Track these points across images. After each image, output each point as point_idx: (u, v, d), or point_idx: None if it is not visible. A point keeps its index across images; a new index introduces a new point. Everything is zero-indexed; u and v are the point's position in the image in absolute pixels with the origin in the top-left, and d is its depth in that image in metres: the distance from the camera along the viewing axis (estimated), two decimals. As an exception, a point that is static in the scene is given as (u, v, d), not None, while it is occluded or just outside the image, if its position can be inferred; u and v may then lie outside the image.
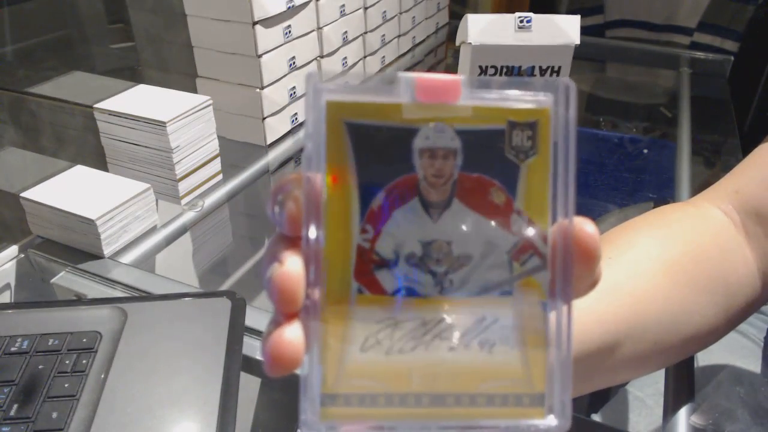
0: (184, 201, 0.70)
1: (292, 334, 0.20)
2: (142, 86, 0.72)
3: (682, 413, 0.45)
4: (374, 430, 0.21)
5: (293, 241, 0.21)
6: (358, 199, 0.21)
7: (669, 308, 0.38)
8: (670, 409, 0.46)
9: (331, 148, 0.21)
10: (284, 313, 0.20)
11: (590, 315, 0.35)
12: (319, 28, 0.85)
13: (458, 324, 0.21)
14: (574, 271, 0.21)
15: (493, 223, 0.21)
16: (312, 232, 0.20)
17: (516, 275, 0.21)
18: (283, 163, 0.81)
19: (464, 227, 0.21)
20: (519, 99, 0.21)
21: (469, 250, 0.21)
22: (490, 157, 0.21)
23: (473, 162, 0.21)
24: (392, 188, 0.21)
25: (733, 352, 0.61)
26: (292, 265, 0.20)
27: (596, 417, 0.58)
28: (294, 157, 0.82)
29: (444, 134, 0.21)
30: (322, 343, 0.21)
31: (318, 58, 0.87)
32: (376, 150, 0.21)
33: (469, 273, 0.21)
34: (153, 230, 0.64)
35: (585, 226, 0.21)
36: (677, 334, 0.39)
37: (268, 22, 0.75)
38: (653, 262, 0.39)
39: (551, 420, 0.21)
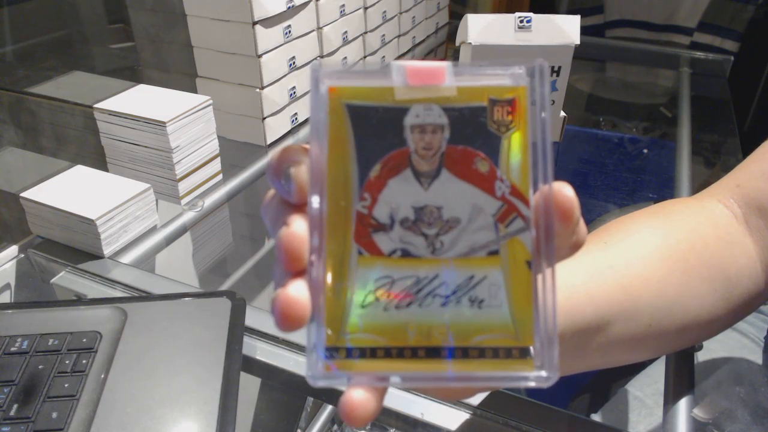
0: (184, 201, 0.70)
1: (299, 291, 0.22)
2: (142, 86, 0.72)
3: (683, 407, 0.45)
4: (374, 380, 0.23)
5: (298, 206, 0.24)
6: (357, 170, 0.23)
7: (664, 293, 0.38)
8: (670, 407, 0.46)
9: (333, 127, 0.23)
10: (290, 272, 0.23)
11: (582, 293, 0.35)
12: (319, 28, 0.85)
13: (449, 282, 0.23)
14: (555, 230, 0.23)
15: (478, 189, 0.23)
16: (316, 201, 0.23)
17: (501, 236, 0.23)
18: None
19: (452, 194, 0.23)
20: (498, 78, 0.24)
21: (458, 214, 0.23)
22: (475, 131, 0.23)
23: (459, 135, 0.23)
24: (387, 160, 0.23)
25: (733, 351, 0.61)
26: (297, 227, 0.23)
27: (596, 417, 0.58)
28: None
29: (432, 112, 0.23)
30: (326, 301, 0.23)
31: (318, 58, 0.87)
32: (372, 127, 0.23)
33: (458, 235, 0.23)
34: (153, 230, 0.64)
35: (564, 189, 0.23)
36: (673, 319, 0.39)
37: (268, 22, 0.75)
38: (650, 249, 0.40)
39: (541, 372, 0.22)
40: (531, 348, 0.23)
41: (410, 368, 0.22)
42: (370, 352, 0.23)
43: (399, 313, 0.23)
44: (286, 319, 0.22)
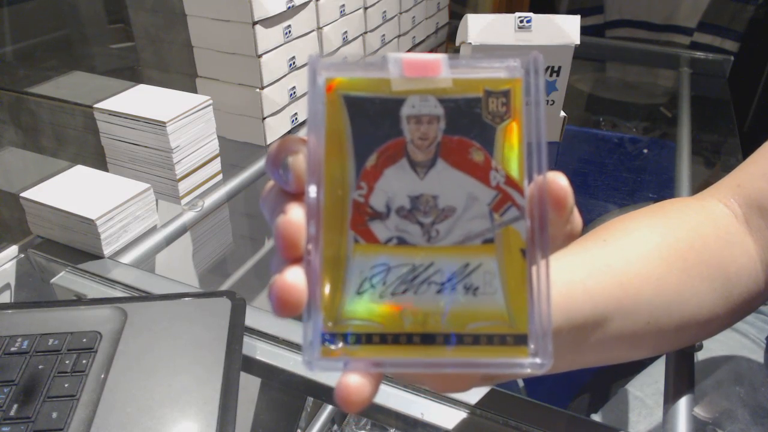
0: (184, 201, 0.70)
1: (295, 277, 0.22)
2: (142, 86, 0.72)
3: (683, 406, 0.45)
4: (370, 366, 0.23)
5: (295, 195, 0.24)
6: (354, 159, 0.24)
7: (663, 291, 0.38)
8: (670, 406, 0.46)
9: (330, 118, 0.24)
10: (287, 259, 0.23)
11: (579, 290, 0.35)
12: (319, 28, 0.85)
13: (444, 269, 0.23)
14: (549, 218, 0.23)
15: (474, 179, 0.24)
16: (313, 190, 0.23)
17: (496, 224, 0.23)
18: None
19: (448, 183, 0.24)
20: (494, 71, 0.24)
21: (453, 203, 0.24)
22: (470, 122, 0.24)
23: (455, 126, 0.24)
24: (384, 150, 0.24)
25: (733, 352, 0.61)
26: (294, 216, 0.23)
27: (596, 417, 0.58)
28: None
29: (428, 103, 0.24)
30: (322, 287, 0.23)
31: (318, 58, 0.87)
32: (369, 118, 0.24)
33: (453, 223, 0.23)
34: (153, 230, 0.64)
35: (558, 178, 0.23)
36: (672, 317, 0.39)
37: (268, 22, 0.75)
38: (649, 247, 0.40)
39: (535, 359, 0.23)
40: (525, 335, 0.23)
41: (405, 354, 0.23)
42: (366, 339, 0.23)
43: (395, 299, 0.23)
44: (283, 304, 0.22)
